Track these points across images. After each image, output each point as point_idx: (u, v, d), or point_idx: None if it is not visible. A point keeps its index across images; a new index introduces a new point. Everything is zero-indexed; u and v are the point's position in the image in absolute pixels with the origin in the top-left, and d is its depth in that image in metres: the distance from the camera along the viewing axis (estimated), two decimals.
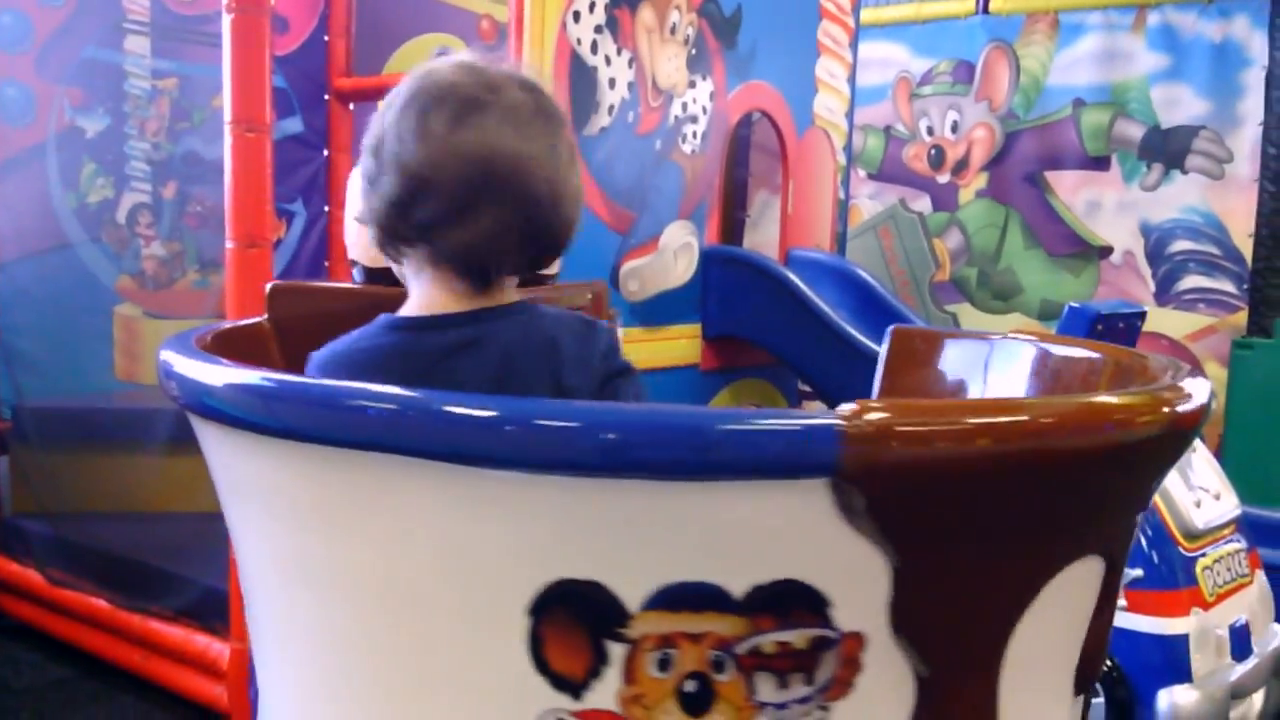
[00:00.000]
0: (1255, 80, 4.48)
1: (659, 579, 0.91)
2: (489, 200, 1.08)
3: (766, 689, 0.92)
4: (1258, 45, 4.48)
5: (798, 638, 0.91)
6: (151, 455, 3.18)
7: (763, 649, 0.91)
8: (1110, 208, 4.93)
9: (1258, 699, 2.43)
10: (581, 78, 3.11)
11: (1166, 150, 4.80)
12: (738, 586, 0.90)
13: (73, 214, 3.70)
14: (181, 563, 2.92)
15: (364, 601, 1.03)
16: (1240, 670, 2.35)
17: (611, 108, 3.24)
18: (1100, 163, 4.96)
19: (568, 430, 0.90)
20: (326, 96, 3.72)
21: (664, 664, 0.93)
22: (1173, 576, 2.32)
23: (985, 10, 5.24)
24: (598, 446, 0.88)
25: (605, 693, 0.94)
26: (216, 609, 2.67)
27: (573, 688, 0.95)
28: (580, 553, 0.93)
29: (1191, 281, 4.75)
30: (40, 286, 3.59)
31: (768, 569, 0.90)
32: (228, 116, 2.44)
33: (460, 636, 0.98)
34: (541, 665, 0.94)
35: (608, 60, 3.19)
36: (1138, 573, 2.31)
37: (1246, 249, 4.50)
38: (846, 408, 0.85)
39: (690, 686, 0.92)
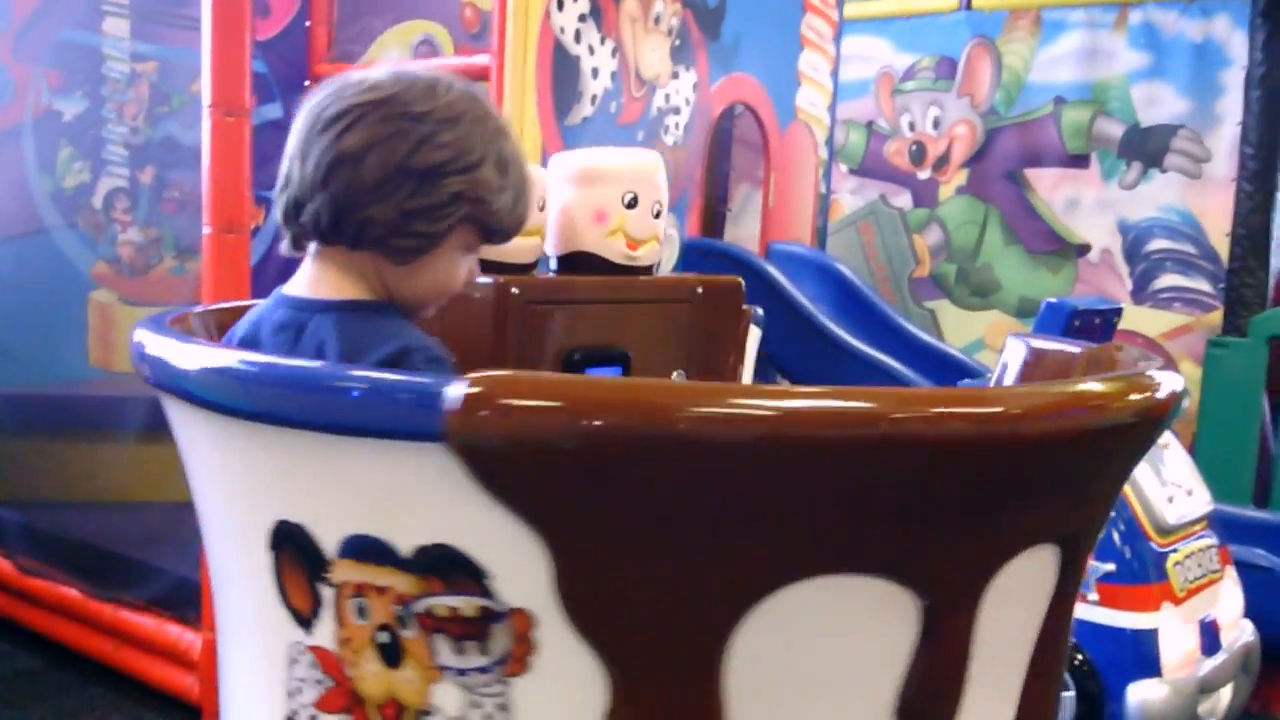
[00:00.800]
0: (1235, 80, 4.51)
1: (343, 529, 0.97)
2: None
3: (445, 652, 0.94)
4: (1238, 45, 4.50)
5: (465, 605, 0.93)
6: (125, 444, 3.16)
7: (436, 611, 0.93)
8: (1089, 206, 4.96)
9: (1226, 693, 2.45)
10: (564, 67, 3.10)
11: (1145, 149, 4.82)
12: (404, 545, 0.94)
13: (49, 198, 3.66)
14: (154, 552, 2.90)
15: (205, 530, 1.17)
16: (1209, 665, 2.37)
17: (594, 97, 3.23)
18: (1080, 161, 4.98)
19: (230, 376, 1.02)
20: (307, 83, 3.70)
21: (362, 612, 0.98)
22: (1144, 571, 2.34)
23: (968, 6, 5.25)
24: (249, 395, 0.99)
25: (325, 632, 1.00)
26: (188, 599, 2.65)
27: (305, 623, 1.02)
28: (288, 497, 1.00)
29: (1168, 280, 4.78)
30: (15, 272, 3.55)
31: (424, 531, 0.93)
32: (207, 99, 2.42)
33: (241, 567, 1.09)
34: (284, 599, 1.03)
35: (591, 50, 3.19)
36: (1110, 567, 2.32)
37: (1223, 248, 4.52)
38: (468, 376, 0.86)
39: (383, 638, 0.97)
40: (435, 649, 0.94)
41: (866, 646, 0.95)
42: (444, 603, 0.93)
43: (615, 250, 1.90)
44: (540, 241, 1.94)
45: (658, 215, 1.94)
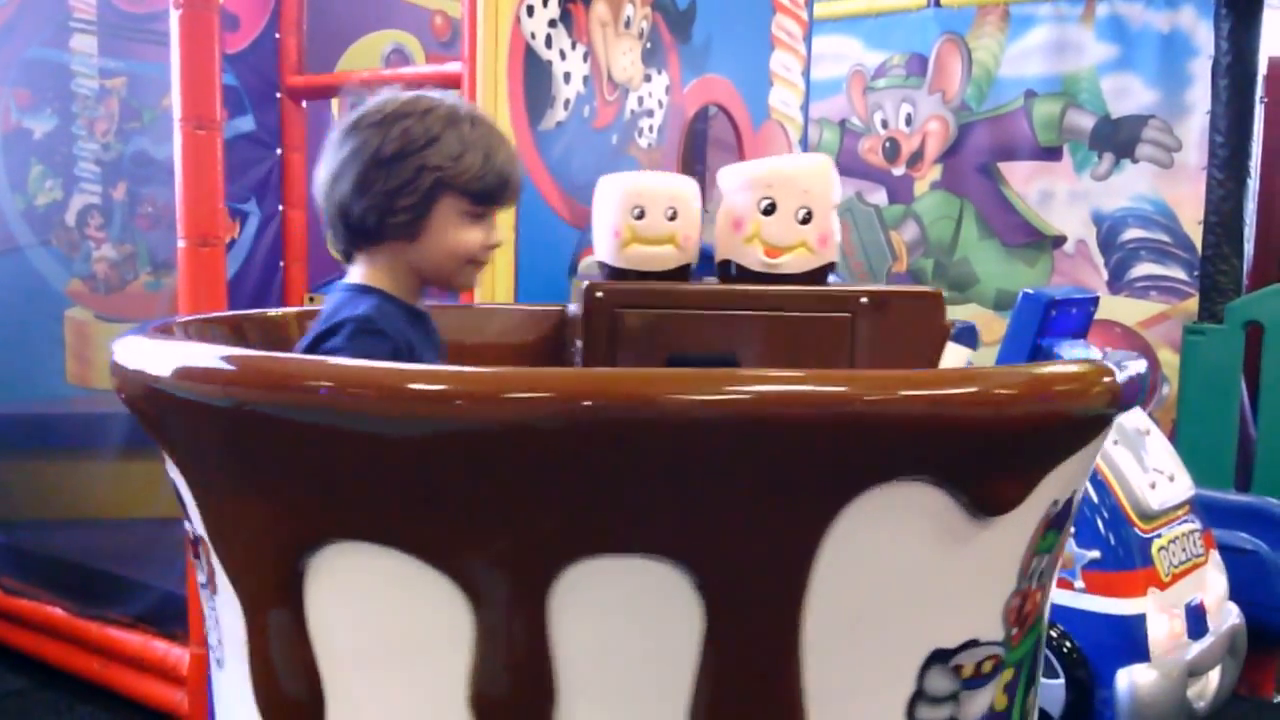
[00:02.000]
0: (1202, 69, 4.55)
1: None
2: None
3: (197, 569, 1.14)
4: (1204, 35, 4.54)
5: (190, 529, 1.12)
6: (105, 461, 3.13)
7: (190, 533, 1.14)
8: (1063, 197, 4.99)
9: (1214, 676, 2.46)
10: (536, 72, 3.10)
11: (1117, 140, 4.86)
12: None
13: (21, 216, 3.63)
14: (138, 568, 2.88)
15: None
16: (1197, 649, 2.38)
17: (567, 102, 3.23)
18: (1052, 153, 5.01)
19: None
20: (279, 94, 3.69)
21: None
22: (1129, 557, 2.35)
23: (937, 3, 5.28)
24: None
25: None
26: (175, 614, 2.63)
27: None
28: None
29: (1143, 269, 4.81)
30: None
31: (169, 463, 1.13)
32: (177, 114, 2.41)
33: None
34: None
35: (562, 54, 3.18)
36: (1095, 554, 2.34)
37: (1196, 236, 4.56)
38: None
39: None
40: (195, 566, 1.14)
41: (422, 626, 0.94)
42: (185, 526, 1.14)
43: (753, 257, 1.87)
44: (674, 250, 1.95)
45: (806, 221, 1.86)
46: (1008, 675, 1.10)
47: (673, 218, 1.93)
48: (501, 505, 0.89)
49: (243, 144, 3.60)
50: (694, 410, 0.84)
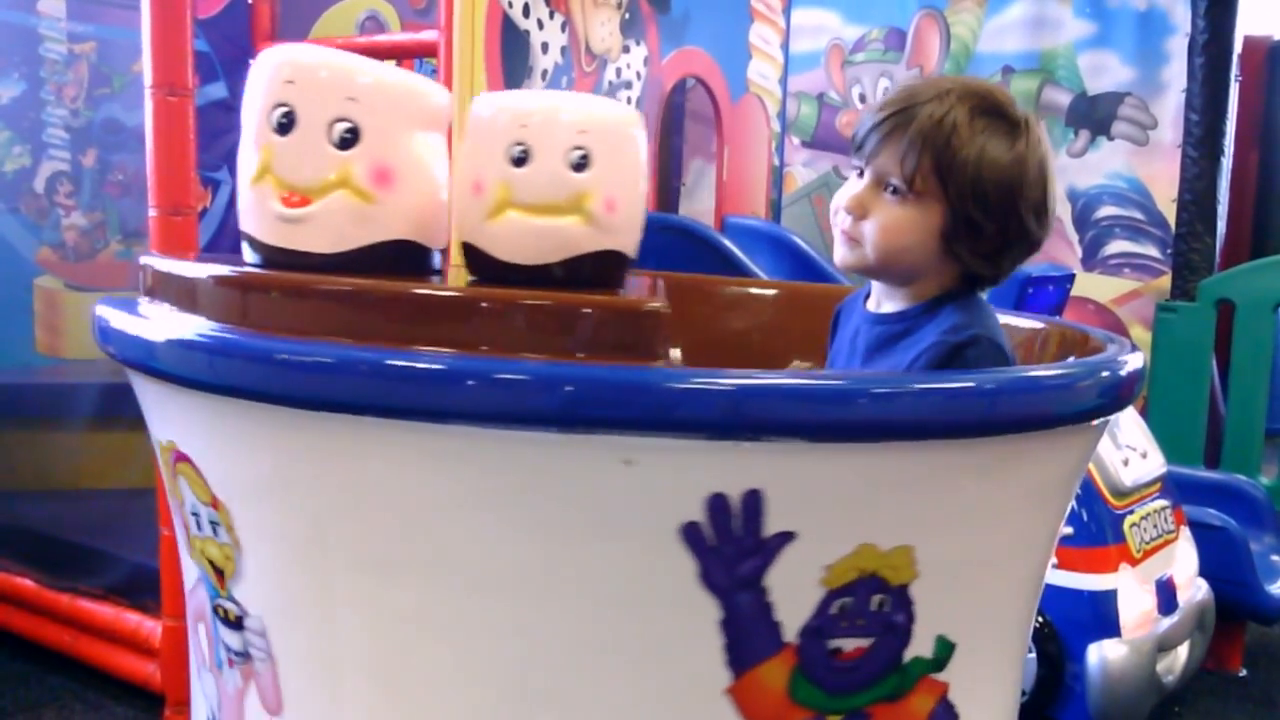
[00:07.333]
0: (1178, 47, 4.56)
1: None
2: None
3: None
4: (1181, 13, 4.55)
5: None
6: (75, 430, 3.09)
7: None
8: None
9: (1183, 651, 2.49)
10: (514, 42, 3.07)
11: (1093, 117, 4.87)
12: None
13: None
14: (109, 539, 2.85)
15: None
16: (1167, 624, 2.41)
17: (545, 73, 3.20)
18: None
19: None
20: (251, 61, 3.63)
21: None
22: (1101, 534, 2.37)
23: None
24: None
25: None
26: (147, 586, 2.61)
27: None
28: None
29: (1117, 246, 4.84)
30: None
31: None
32: (148, 80, 2.36)
33: None
34: None
35: (540, 24, 3.15)
36: (1068, 530, 2.35)
37: (1170, 214, 4.59)
38: None
39: None
40: None
41: None
42: None
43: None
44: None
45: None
46: None
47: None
48: None
49: (215, 111, 3.54)
50: None
